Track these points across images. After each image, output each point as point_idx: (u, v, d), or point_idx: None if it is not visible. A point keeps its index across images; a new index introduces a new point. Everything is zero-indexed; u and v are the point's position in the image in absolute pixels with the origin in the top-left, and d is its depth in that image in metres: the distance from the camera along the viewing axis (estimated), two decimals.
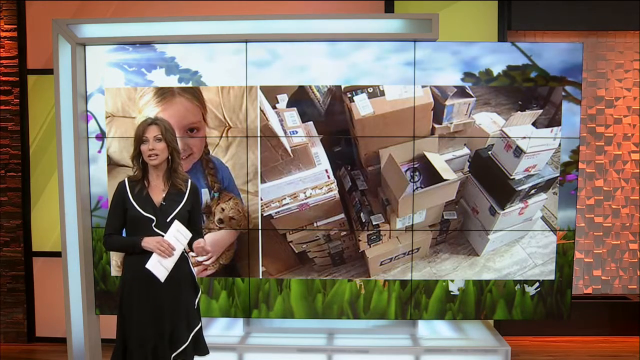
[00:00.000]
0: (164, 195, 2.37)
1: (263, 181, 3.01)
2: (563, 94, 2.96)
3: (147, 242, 2.29)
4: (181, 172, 2.43)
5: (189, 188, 2.41)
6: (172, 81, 3.01)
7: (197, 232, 2.45)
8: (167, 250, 2.28)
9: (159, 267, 2.30)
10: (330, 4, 3.80)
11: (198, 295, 2.46)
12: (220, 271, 3.10)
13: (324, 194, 3.01)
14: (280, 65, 2.98)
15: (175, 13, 3.74)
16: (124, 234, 2.42)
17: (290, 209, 3.02)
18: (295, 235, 3.04)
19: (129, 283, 2.36)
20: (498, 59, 2.94)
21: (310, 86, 2.98)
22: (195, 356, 2.43)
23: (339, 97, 2.98)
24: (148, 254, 2.29)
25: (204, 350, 2.47)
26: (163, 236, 2.30)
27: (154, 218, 2.32)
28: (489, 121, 2.98)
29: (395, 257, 3.06)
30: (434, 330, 3.36)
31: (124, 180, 2.40)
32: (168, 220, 2.33)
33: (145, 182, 2.38)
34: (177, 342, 2.34)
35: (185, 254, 2.40)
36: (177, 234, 2.31)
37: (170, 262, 2.31)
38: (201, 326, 2.46)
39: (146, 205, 2.34)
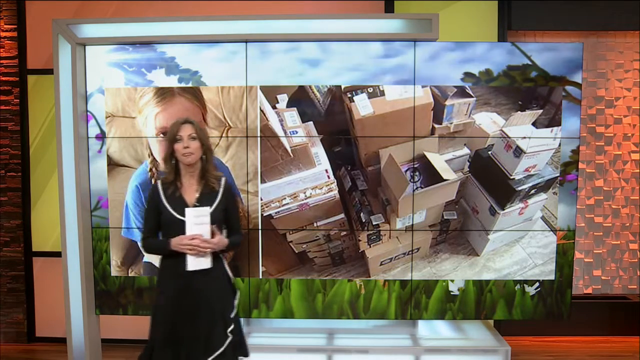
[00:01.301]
0: (197, 195, 2.34)
1: (263, 181, 3.01)
2: (563, 94, 2.96)
3: (174, 246, 2.27)
4: (214, 171, 2.41)
5: (222, 186, 2.39)
6: (172, 81, 3.01)
7: (235, 231, 2.44)
8: (195, 247, 2.25)
9: (199, 261, 2.28)
10: (330, 4, 3.80)
11: (236, 296, 2.43)
12: None
13: (324, 194, 3.01)
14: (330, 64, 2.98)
15: (175, 13, 3.74)
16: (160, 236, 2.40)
17: (290, 209, 3.02)
18: (295, 235, 3.04)
19: (163, 284, 2.35)
20: (498, 59, 2.94)
21: (310, 86, 2.98)
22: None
23: (339, 97, 2.98)
24: (182, 253, 2.27)
25: (244, 352, 2.43)
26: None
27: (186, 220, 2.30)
28: (489, 121, 2.98)
29: (395, 257, 3.06)
30: (434, 330, 3.36)
31: (157, 183, 2.38)
32: None
33: (178, 184, 2.36)
34: (214, 346, 2.30)
35: (220, 255, 2.38)
36: (196, 219, 2.28)
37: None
38: (241, 327, 2.42)
39: (179, 207, 2.31)
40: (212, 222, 2.32)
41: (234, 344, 2.37)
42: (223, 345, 2.31)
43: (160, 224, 2.36)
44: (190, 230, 2.28)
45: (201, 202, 2.33)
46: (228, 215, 2.41)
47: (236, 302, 2.43)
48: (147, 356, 2.35)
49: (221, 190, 2.38)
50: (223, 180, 2.41)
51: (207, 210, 2.30)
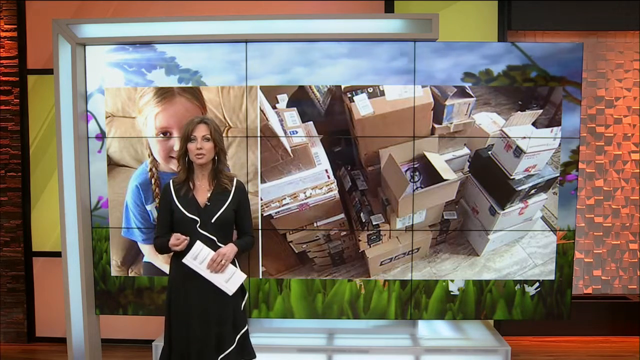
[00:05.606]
0: (208, 195, 2.36)
1: (263, 181, 3.01)
2: (563, 94, 2.96)
3: (170, 243, 2.32)
4: (227, 172, 2.43)
5: (234, 186, 2.41)
6: (172, 81, 3.01)
7: (244, 232, 2.46)
8: (216, 267, 2.30)
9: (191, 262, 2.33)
10: (330, 4, 3.80)
11: (245, 298, 2.44)
12: None
13: (324, 194, 3.01)
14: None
15: (175, 13, 3.74)
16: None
17: (290, 209, 3.02)
18: (295, 235, 3.04)
19: (174, 284, 2.36)
20: (498, 59, 2.94)
21: (310, 86, 2.98)
22: None
23: (339, 97, 2.98)
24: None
25: (251, 354, 2.43)
26: (208, 237, 2.33)
27: (197, 219, 2.32)
28: (489, 121, 2.98)
29: (395, 257, 3.06)
30: (434, 330, 3.36)
31: (169, 183, 2.40)
32: (213, 220, 2.33)
33: (190, 184, 2.38)
34: (223, 345, 2.31)
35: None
36: (197, 256, 2.32)
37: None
38: (247, 329, 2.42)
39: (190, 206, 2.34)
40: (223, 222, 2.36)
41: (241, 345, 2.37)
42: (233, 344, 2.33)
43: (173, 223, 2.37)
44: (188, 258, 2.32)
45: (212, 201, 2.35)
46: (238, 216, 2.42)
47: (244, 303, 2.43)
48: (166, 355, 2.36)
49: (233, 190, 2.40)
50: (236, 180, 2.44)
51: (208, 252, 2.32)
